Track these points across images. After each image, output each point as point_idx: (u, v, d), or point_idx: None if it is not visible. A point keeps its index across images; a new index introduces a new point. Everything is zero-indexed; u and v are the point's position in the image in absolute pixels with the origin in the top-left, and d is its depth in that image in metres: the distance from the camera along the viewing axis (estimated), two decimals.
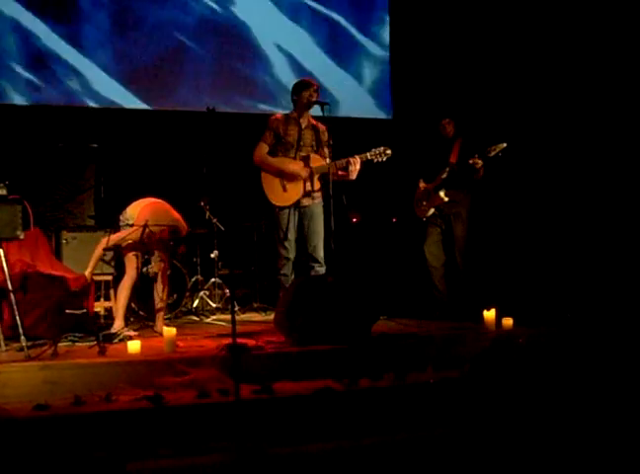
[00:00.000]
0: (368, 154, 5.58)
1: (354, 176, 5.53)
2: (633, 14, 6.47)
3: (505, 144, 5.89)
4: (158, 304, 5.53)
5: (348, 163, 5.51)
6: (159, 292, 5.49)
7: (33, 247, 5.57)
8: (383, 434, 3.66)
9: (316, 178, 5.58)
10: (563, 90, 6.89)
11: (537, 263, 6.80)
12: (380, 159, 5.59)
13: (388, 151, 5.58)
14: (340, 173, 5.53)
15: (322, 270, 5.58)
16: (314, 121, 5.74)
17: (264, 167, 5.61)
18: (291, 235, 5.61)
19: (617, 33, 6.60)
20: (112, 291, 6.15)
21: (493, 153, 5.91)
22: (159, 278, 5.50)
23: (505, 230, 7.03)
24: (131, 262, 5.41)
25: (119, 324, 5.33)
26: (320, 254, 5.60)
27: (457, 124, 6.28)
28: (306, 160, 5.61)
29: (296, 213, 5.62)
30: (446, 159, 6.19)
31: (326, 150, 5.59)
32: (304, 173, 5.56)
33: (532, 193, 7.00)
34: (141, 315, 6.17)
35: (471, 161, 5.93)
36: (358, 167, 5.51)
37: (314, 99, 5.61)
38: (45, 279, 5.24)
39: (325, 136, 5.66)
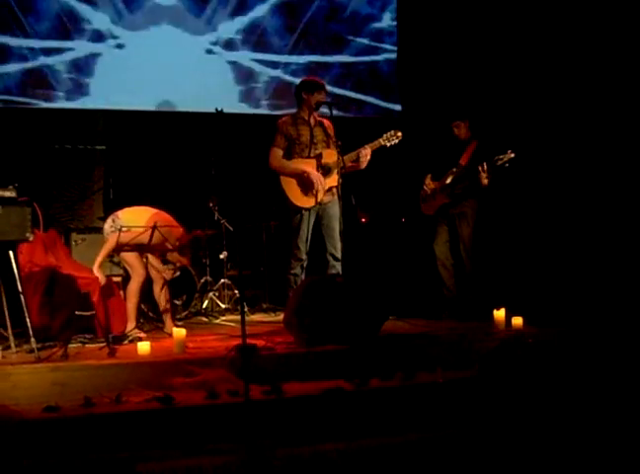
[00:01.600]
0: (381, 140, 5.71)
1: (364, 165, 5.65)
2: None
3: (513, 154, 5.84)
4: (165, 306, 5.54)
5: (358, 155, 5.59)
6: (161, 294, 5.52)
7: (54, 248, 5.57)
8: (393, 435, 3.66)
9: (335, 173, 5.59)
10: (579, 97, 6.86)
11: (548, 262, 6.78)
12: (393, 142, 5.72)
13: (399, 133, 5.73)
14: (350, 164, 5.58)
15: (339, 267, 5.62)
16: (319, 118, 5.77)
17: (282, 172, 5.63)
18: (307, 236, 5.63)
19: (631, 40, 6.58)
20: (121, 293, 6.15)
21: (500, 163, 5.88)
22: (158, 281, 5.53)
23: (515, 229, 7.01)
24: (137, 264, 5.42)
25: (130, 325, 5.34)
26: (339, 251, 5.63)
27: (473, 127, 6.24)
28: (319, 158, 5.65)
29: (315, 213, 5.66)
30: (457, 160, 6.17)
31: (336, 142, 5.65)
32: (320, 185, 5.58)
33: (542, 192, 6.97)
34: (151, 316, 6.18)
35: (480, 168, 5.90)
36: (368, 157, 5.62)
37: (324, 100, 5.64)
38: (71, 280, 5.25)
39: (332, 131, 5.73)
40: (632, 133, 6.52)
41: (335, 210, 5.65)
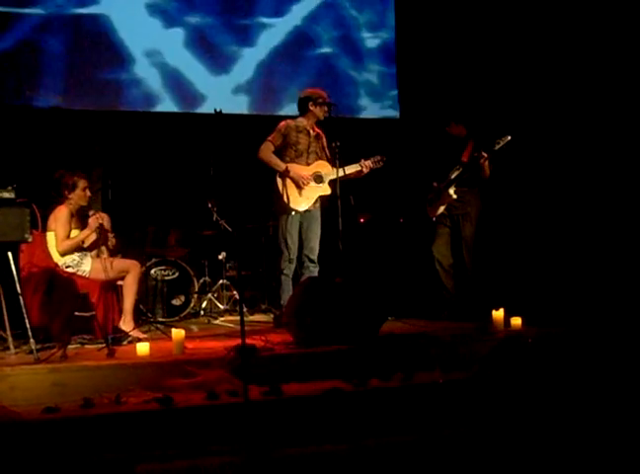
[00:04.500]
0: (370, 162, 5.90)
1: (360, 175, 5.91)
2: (633, 11, 6.47)
3: (509, 137, 5.91)
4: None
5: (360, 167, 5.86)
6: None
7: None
8: (392, 435, 3.66)
9: (326, 183, 5.73)
10: (577, 90, 6.87)
11: (546, 262, 6.78)
12: (378, 166, 5.94)
13: (384, 158, 5.95)
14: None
15: (316, 270, 5.83)
16: (317, 129, 5.85)
17: (268, 165, 5.75)
18: (295, 236, 5.79)
19: (620, 31, 6.59)
20: None
21: (498, 146, 5.91)
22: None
23: (514, 230, 7.01)
24: (134, 263, 5.42)
25: (129, 325, 5.34)
26: (316, 255, 5.85)
27: (468, 126, 6.26)
28: (317, 166, 5.79)
29: (299, 217, 5.81)
30: (457, 158, 6.17)
31: (327, 153, 5.87)
32: (303, 181, 5.73)
33: (542, 192, 6.97)
34: (149, 316, 6.19)
35: (476, 154, 5.94)
36: (365, 171, 5.87)
37: (327, 115, 5.79)
38: (70, 281, 5.24)
39: (325, 141, 5.91)
40: (632, 134, 6.53)
41: (317, 216, 5.88)
